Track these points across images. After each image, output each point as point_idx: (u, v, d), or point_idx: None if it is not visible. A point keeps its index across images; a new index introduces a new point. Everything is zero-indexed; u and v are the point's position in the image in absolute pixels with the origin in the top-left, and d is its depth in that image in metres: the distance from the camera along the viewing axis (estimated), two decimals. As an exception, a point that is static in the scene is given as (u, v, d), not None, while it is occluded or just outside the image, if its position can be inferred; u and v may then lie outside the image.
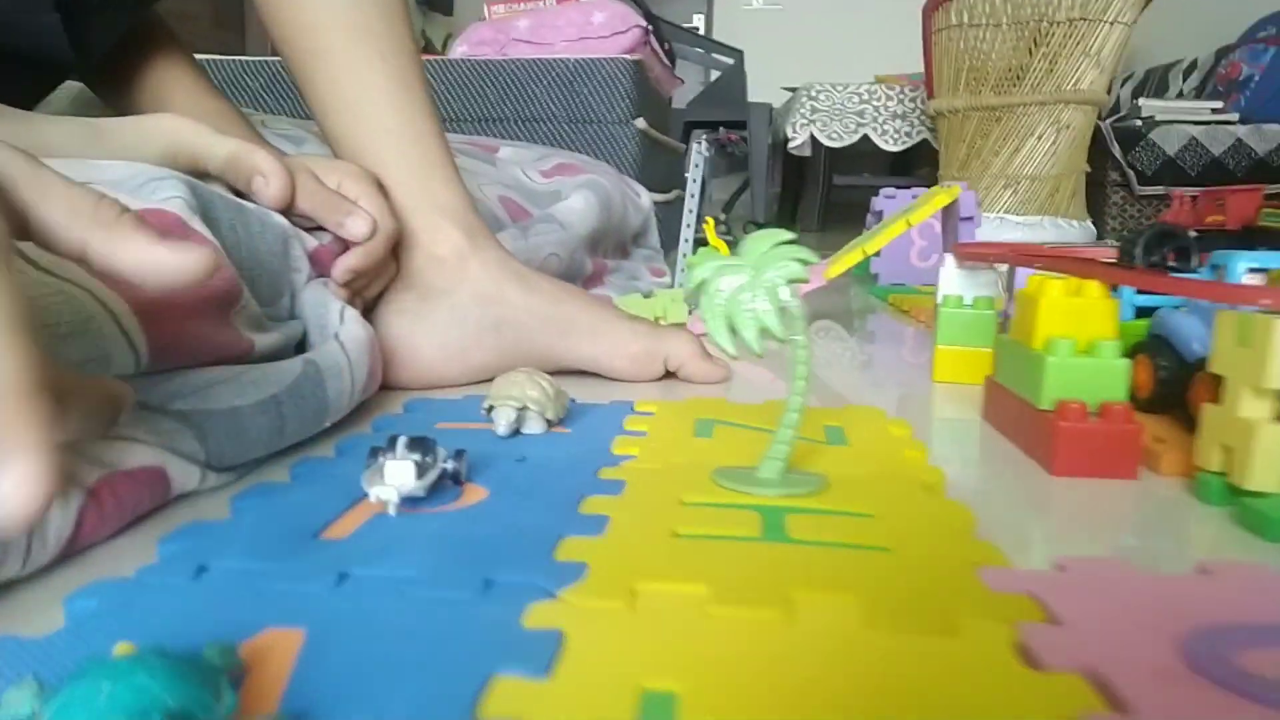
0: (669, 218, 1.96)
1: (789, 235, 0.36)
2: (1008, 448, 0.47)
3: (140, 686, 0.18)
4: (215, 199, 0.49)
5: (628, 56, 1.75)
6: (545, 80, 1.78)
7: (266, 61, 1.91)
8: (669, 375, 0.63)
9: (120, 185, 0.44)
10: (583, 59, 1.74)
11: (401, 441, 0.34)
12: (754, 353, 0.35)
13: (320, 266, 0.58)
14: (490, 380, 0.48)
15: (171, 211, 0.43)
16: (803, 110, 3.41)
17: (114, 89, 0.68)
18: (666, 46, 2.06)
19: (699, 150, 1.01)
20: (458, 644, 0.24)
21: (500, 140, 1.47)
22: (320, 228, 0.57)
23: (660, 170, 1.87)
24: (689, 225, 1.01)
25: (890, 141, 3.37)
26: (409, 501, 0.34)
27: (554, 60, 1.79)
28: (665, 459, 0.41)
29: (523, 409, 0.44)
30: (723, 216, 5.11)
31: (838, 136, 3.41)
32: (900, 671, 0.23)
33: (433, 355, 0.59)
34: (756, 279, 0.35)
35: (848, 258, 0.81)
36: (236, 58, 1.88)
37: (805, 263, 0.35)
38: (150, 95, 0.67)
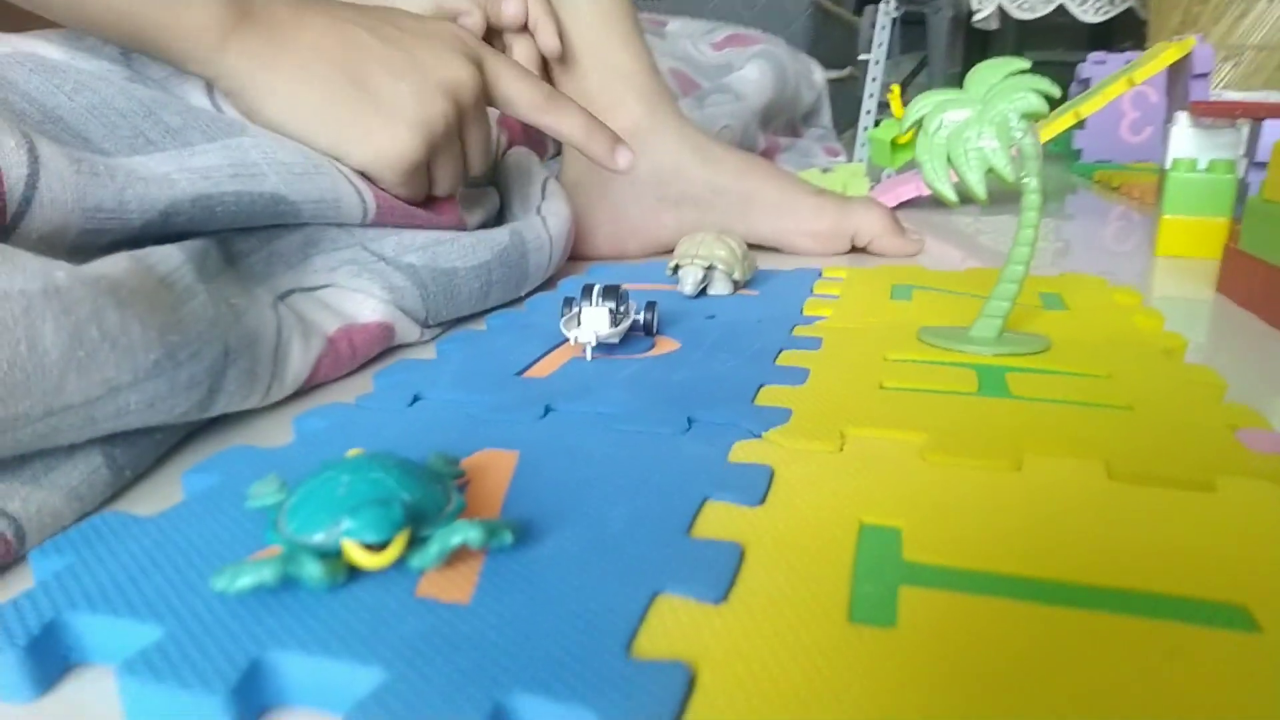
0: (842, 98, 1.86)
1: (1024, 63, 0.32)
2: (1255, 323, 0.41)
3: (377, 480, 0.19)
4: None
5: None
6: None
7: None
8: (858, 250, 0.60)
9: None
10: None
11: (596, 290, 0.34)
12: (978, 198, 0.32)
13: (507, 128, 0.58)
14: (671, 251, 0.47)
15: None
16: (991, -20, 3.11)
17: None
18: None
19: (885, 11, 0.94)
20: (666, 473, 0.23)
21: (667, 15, 1.42)
22: None
23: (833, 45, 1.76)
24: (871, 95, 0.94)
25: (1090, 11, 3.02)
26: (603, 348, 0.34)
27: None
28: (863, 319, 0.39)
29: (710, 268, 0.43)
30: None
31: (1030, 7, 3.10)
32: (1149, 522, 0.21)
33: (611, 231, 0.58)
34: (985, 112, 0.32)
35: (1059, 121, 0.74)
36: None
37: (1047, 96, 0.31)
38: None
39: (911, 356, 0.33)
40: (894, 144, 0.88)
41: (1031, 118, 0.32)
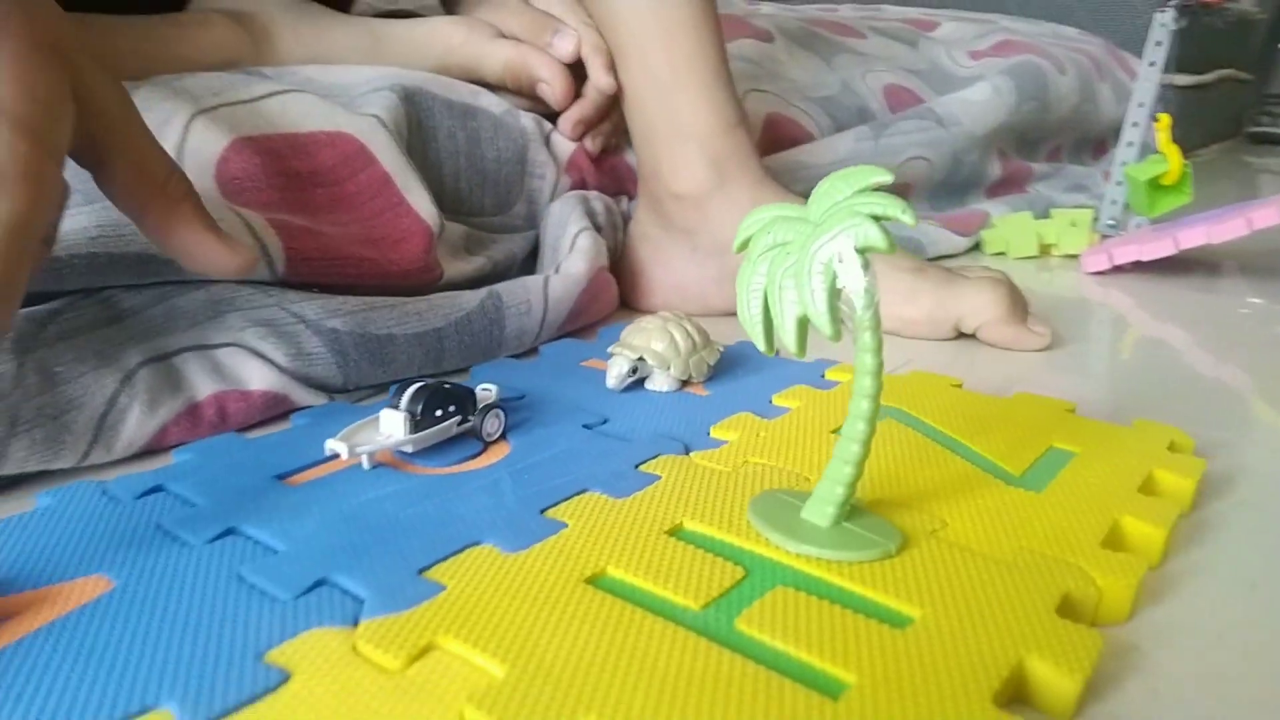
0: (1198, 108, 1.53)
1: (885, 176, 0.23)
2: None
3: None
4: (436, 107, 0.49)
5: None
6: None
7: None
8: (966, 336, 0.49)
9: (341, 93, 0.47)
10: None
11: (410, 392, 0.31)
12: (792, 352, 0.24)
13: (576, 171, 0.55)
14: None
15: (351, 135, 0.43)
16: None
17: None
18: None
19: (1162, 24, 0.74)
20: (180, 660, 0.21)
21: (968, 14, 1.27)
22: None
23: (1197, 44, 1.45)
24: (1135, 124, 0.76)
25: None
26: (401, 454, 0.31)
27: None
28: (757, 456, 0.31)
29: (639, 360, 0.37)
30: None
31: None
32: None
33: (669, 294, 0.53)
34: (806, 243, 0.24)
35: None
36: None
37: (889, 220, 0.23)
38: None
39: (708, 530, 0.26)
40: (1154, 185, 0.70)
41: (868, 251, 0.23)
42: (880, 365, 0.24)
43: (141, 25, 0.45)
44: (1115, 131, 1.08)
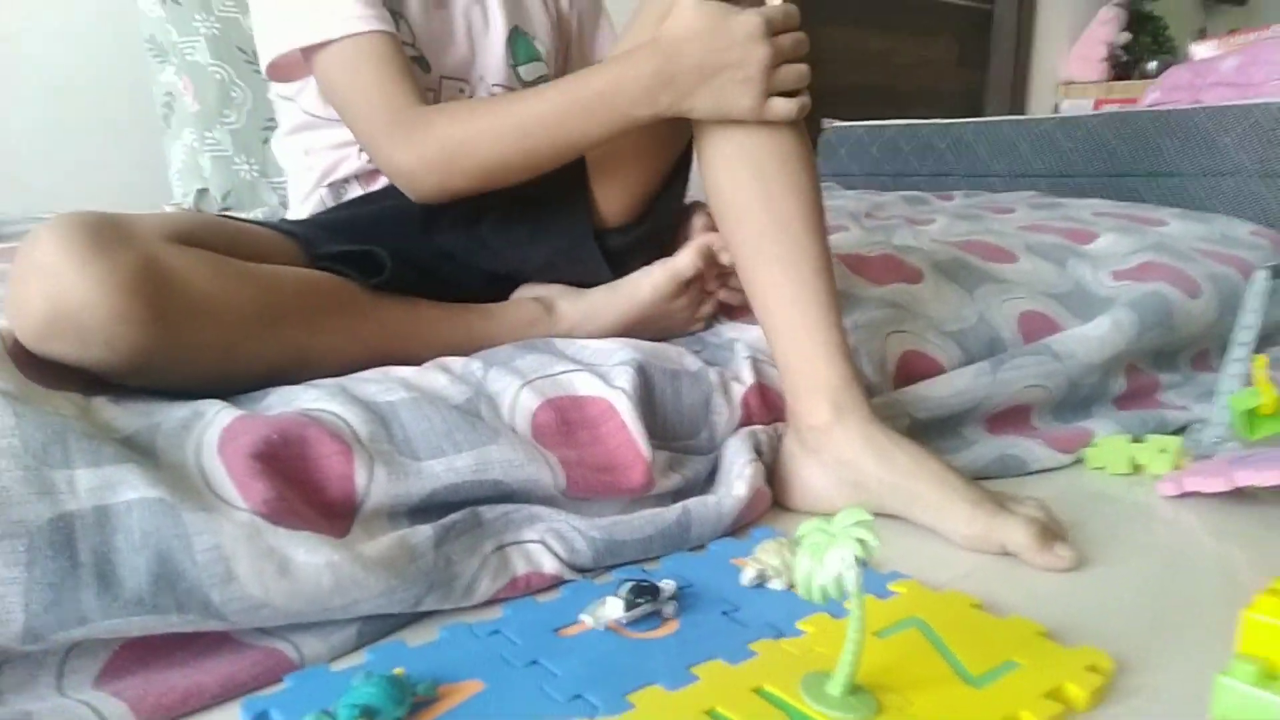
0: None
1: (865, 516, 0.46)
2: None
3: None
4: (657, 373, 0.76)
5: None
6: (1238, 130, 1.58)
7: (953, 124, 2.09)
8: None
9: (596, 368, 0.75)
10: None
11: (627, 585, 0.56)
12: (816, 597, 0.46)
13: (748, 411, 0.80)
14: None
15: (605, 400, 0.71)
16: None
17: None
18: None
19: (1262, 278, 0.88)
20: None
21: (1138, 212, 1.40)
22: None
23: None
24: (1238, 360, 0.89)
25: None
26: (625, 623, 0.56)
27: (1250, 106, 1.58)
28: (821, 645, 0.53)
29: (762, 569, 0.61)
30: None
31: None
32: None
33: (803, 496, 0.76)
34: (824, 544, 0.46)
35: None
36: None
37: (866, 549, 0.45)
38: None
39: (778, 692, 0.49)
40: (1254, 414, 0.84)
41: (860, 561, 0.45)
42: (864, 614, 0.46)
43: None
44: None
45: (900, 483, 0.70)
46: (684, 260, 0.85)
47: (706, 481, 0.76)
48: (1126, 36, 3.11)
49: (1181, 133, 1.62)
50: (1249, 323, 0.88)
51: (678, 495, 0.71)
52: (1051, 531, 0.67)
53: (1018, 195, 1.71)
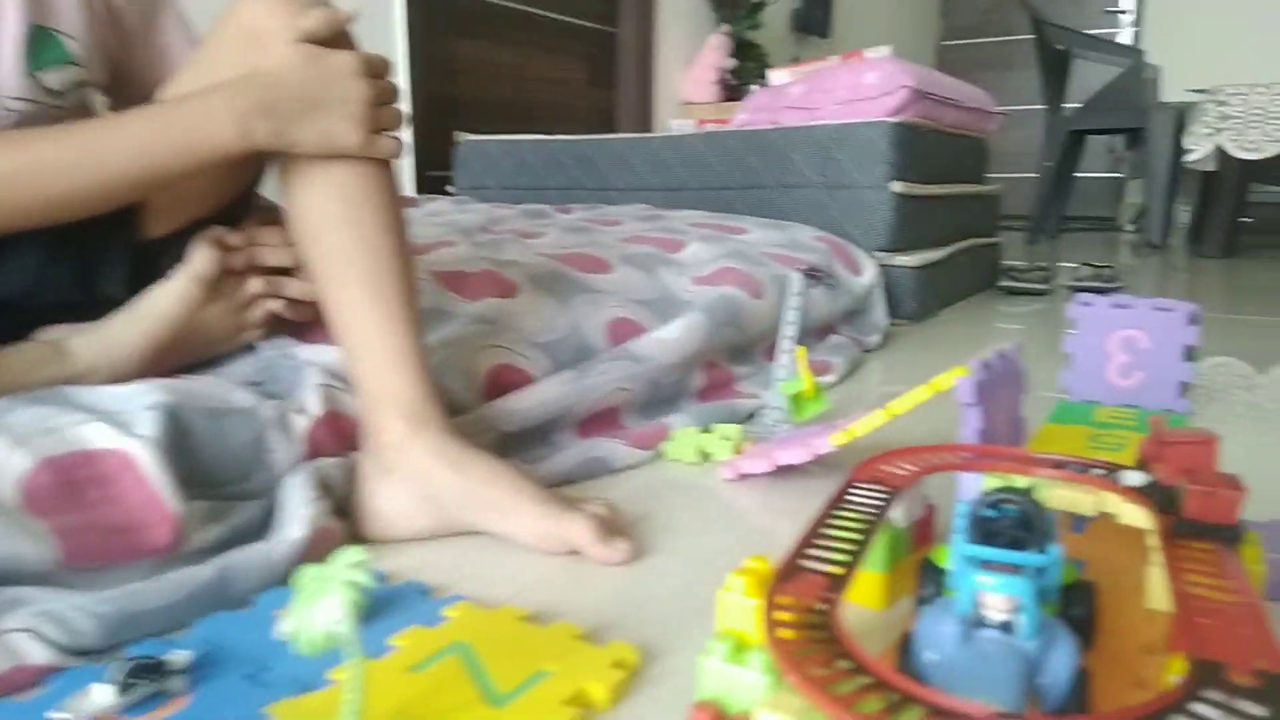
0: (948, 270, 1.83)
1: (360, 556, 0.43)
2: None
3: None
4: (195, 415, 0.68)
5: (890, 119, 1.70)
6: (804, 148, 1.80)
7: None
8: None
9: (115, 415, 0.65)
10: (841, 124, 1.74)
11: (128, 666, 0.49)
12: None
13: (315, 444, 0.75)
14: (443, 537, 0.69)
15: (121, 452, 0.62)
16: (1206, 119, 2.87)
17: None
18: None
19: (795, 291, 1.00)
20: None
21: (724, 222, 1.54)
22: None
23: (923, 221, 1.77)
24: (785, 352, 1.00)
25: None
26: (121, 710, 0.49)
27: (812, 127, 1.80)
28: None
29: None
30: (1130, 227, 4.45)
31: (1256, 146, 2.81)
32: None
33: (381, 521, 0.72)
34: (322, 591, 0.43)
35: (869, 419, 0.77)
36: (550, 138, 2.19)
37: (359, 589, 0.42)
38: None
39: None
40: (799, 398, 0.94)
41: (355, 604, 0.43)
42: (361, 664, 0.43)
43: None
44: (846, 316, 1.34)
45: (474, 489, 0.70)
46: (197, 258, 0.78)
47: (261, 528, 0.70)
48: (734, 62, 3.46)
49: (761, 150, 1.82)
50: (791, 319, 1.00)
51: (225, 546, 0.64)
52: (612, 526, 0.70)
53: (630, 209, 1.82)
